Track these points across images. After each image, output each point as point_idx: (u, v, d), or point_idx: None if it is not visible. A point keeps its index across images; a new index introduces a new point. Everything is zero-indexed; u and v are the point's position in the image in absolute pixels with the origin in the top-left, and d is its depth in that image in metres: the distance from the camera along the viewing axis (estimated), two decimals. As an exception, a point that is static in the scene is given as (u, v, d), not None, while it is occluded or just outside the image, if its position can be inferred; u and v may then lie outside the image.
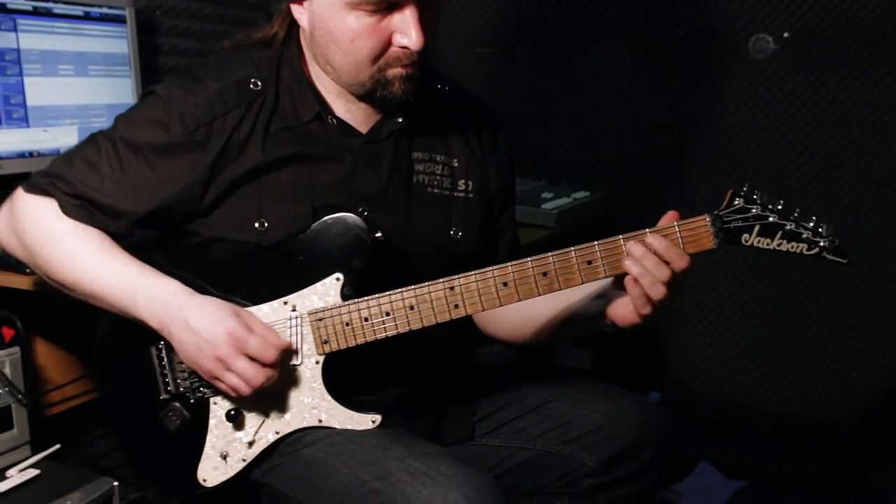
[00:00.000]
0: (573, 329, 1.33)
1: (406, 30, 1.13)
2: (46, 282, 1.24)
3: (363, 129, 1.26)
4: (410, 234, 1.28)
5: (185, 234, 1.25)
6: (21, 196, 1.23)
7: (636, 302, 1.11)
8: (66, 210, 1.19)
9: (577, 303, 1.27)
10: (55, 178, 1.20)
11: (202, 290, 1.18)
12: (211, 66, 1.25)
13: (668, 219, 1.12)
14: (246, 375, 1.11)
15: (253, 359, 1.12)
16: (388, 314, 1.16)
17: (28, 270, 1.46)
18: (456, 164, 1.33)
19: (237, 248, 1.22)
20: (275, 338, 1.14)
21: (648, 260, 1.09)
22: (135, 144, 1.20)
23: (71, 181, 1.19)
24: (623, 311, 1.15)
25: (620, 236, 1.11)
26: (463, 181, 1.33)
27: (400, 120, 1.26)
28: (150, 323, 1.16)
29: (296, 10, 1.20)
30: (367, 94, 1.21)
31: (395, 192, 1.27)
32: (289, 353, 1.18)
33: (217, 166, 1.20)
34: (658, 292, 1.09)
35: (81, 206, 1.19)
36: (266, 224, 1.20)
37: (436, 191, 1.31)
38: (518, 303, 1.16)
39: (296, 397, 1.19)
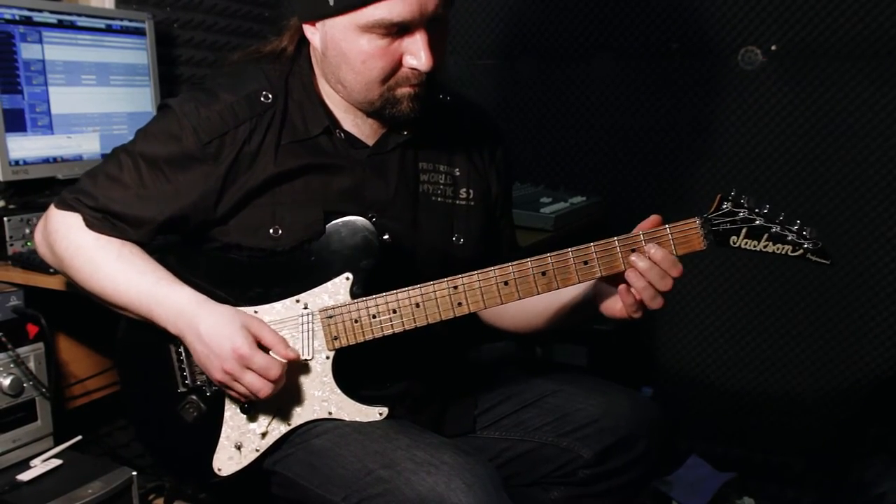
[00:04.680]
0: (567, 318, 1.34)
1: (416, 52, 1.14)
2: (84, 292, 1.27)
3: (370, 141, 1.28)
4: (416, 240, 1.30)
5: (204, 241, 1.28)
6: (52, 212, 1.27)
7: (629, 308, 1.14)
8: (90, 224, 1.23)
9: (570, 294, 1.29)
10: (81, 193, 1.24)
11: (216, 297, 1.20)
12: (224, 79, 1.27)
13: (652, 222, 1.14)
14: (253, 388, 1.13)
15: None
16: (395, 312, 1.17)
17: (52, 270, 1.49)
18: (458, 174, 1.35)
19: (253, 254, 1.24)
20: (282, 349, 1.15)
21: (653, 273, 1.11)
22: (151, 157, 1.22)
23: (95, 196, 1.23)
24: (612, 306, 1.18)
25: (615, 238, 1.13)
26: (465, 189, 1.35)
27: (405, 133, 1.28)
28: (168, 329, 1.19)
29: (308, 30, 1.21)
30: (376, 112, 1.23)
31: (402, 201, 1.29)
32: (300, 348, 1.19)
33: (229, 177, 1.22)
34: (657, 303, 1.12)
35: (104, 219, 1.23)
36: (280, 231, 1.23)
37: (439, 199, 1.33)
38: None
39: (307, 391, 1.21)
